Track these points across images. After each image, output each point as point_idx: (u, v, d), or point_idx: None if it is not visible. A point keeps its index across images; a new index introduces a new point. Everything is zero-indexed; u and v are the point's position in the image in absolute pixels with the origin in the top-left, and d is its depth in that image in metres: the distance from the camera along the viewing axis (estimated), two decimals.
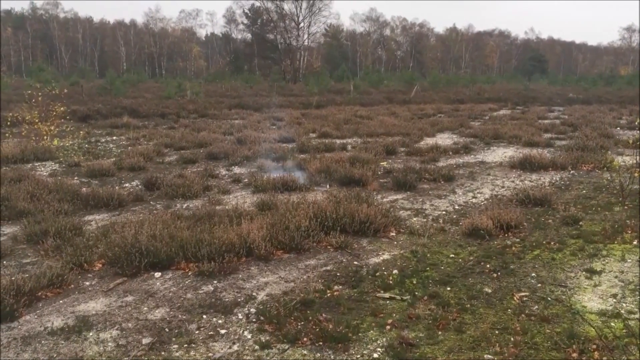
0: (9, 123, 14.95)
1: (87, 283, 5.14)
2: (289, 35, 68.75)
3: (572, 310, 4.52)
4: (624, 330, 4.13)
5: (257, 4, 69.25)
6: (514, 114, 25.54)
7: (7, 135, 14.54)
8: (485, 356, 3.81)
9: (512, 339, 4.03)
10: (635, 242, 6.27)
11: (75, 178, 10.10)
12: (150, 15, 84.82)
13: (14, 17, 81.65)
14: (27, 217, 6.90)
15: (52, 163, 11.72)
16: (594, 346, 3.82)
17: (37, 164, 11.51)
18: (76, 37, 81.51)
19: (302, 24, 68.25)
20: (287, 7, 67.85)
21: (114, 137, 16.29)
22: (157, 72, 79.49)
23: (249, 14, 72.82)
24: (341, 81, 50.17)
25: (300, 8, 67.33)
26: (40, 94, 14.33)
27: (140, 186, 9.38)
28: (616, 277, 5.29)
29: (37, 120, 13.98)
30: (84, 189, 8.80)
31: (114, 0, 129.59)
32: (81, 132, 16.26)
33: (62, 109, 14.77)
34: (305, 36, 70.18)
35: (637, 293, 4.88)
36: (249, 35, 76.97)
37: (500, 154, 13.42)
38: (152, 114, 22.66)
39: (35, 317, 4.42)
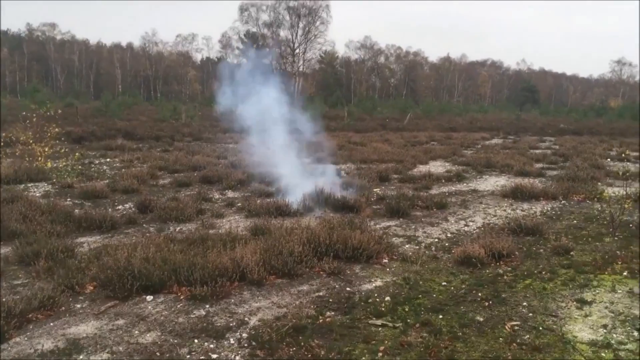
0: (2, 144, 14.94)
1: (78, 305, 5.11)
2: (284, 61, 69.56)
3: (563, 340, 4.54)
4: None
5: (254, 29, 70.25)
6: (505, 143, 25.84)
7: (0, 155, 14.51)
8: None
9: None
10: (625, 273, 6.32)
11: (69, 199, 10.08)
12: (147, 39, 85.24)
13: (10, 37, 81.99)
14: (19, 238, 6.86)
15: (45, 184, 11.69)
16: None
17: (30, 185, 11.47)
18: (72, 59, 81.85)
19: (297, 50, 69.18)
20: (283, 33, 68.86)
21: (108, 159, 16.30)
22: (153, 95, 79.73)
23: (245, 40, 73.66)
24: (335, 107, 50.61)
25: (296, 35, 68.33)
26: (34, 114, 14.36)
27: (133, 209, 9.37)
28: (607, 307, 5.33)
29: (31, 141, 13.99)
30: (77, 210, 8.79)
31: (109, 2, 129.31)
32: (75, 153, 16.26)
33: (56, 130, 14.79)
34: (301, 62, 71.08)
35: (628, 324, 4.91)
36: (244, 60, 77.72)
37: (492, 182, 13.53)
38: (147, 137, 22.74)
39: (26, 339, 4.39)
